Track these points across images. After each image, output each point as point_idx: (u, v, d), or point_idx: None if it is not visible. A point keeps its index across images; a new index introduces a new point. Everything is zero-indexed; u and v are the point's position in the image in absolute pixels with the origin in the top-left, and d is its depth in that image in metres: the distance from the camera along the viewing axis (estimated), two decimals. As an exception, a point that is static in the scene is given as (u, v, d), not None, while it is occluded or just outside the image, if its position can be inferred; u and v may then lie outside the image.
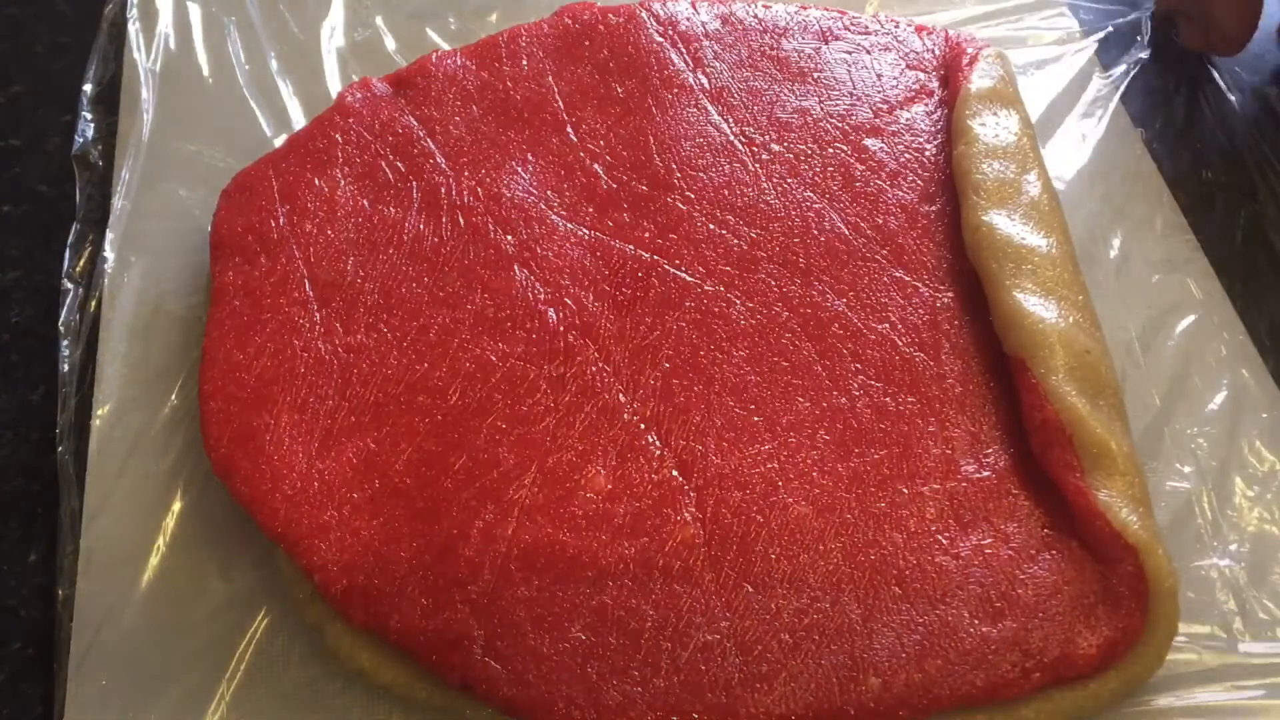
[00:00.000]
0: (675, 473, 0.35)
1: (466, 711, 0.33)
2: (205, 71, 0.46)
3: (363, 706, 0.35)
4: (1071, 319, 0.36)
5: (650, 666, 0.32)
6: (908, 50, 0.43)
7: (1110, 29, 0.51)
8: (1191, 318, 0.43)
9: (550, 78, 0.42)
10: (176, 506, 0.38)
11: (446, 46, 0.46)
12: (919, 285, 0.38)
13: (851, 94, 0.42)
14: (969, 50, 0.42)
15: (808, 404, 0.36)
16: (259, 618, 0.36)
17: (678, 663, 0.32)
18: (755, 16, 0.43)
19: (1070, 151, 0.47)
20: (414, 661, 0.33)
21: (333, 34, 0.47)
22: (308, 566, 0.33)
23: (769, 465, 0.35)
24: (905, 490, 0.35)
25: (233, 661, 0.36)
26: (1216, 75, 0.50)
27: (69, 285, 0.42)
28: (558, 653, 0.32)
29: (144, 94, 0.45)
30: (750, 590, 0.33)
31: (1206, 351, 0.42)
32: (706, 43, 0.42)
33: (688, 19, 0.43)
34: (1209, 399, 0.41)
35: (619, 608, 0.33)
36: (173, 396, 0.40)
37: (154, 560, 0.37)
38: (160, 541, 0.37)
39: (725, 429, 0.36)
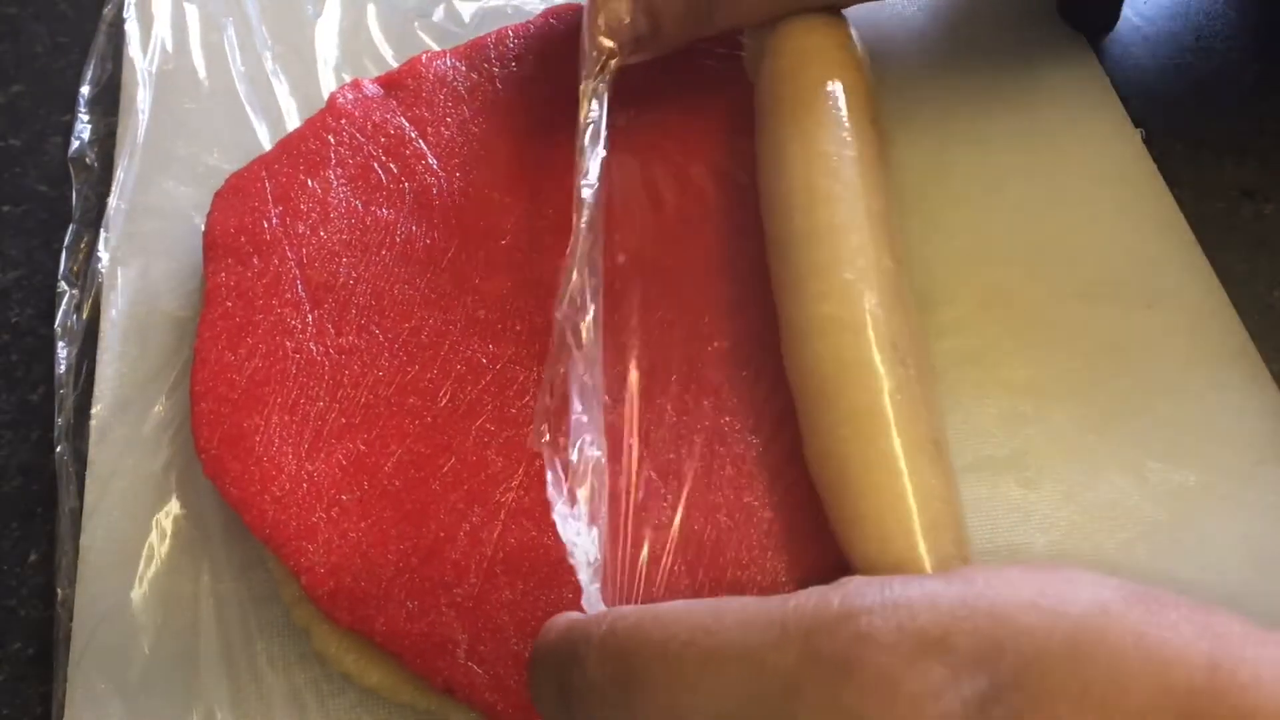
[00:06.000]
0: (654, 474, 0.35)
1: (452, 717, 0.33)
2: (202, 74, 0.46)
3: (364, 707, 0.35)
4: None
5: (625, 675, 0.32)
6: None
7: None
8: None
9: (538, 78, 0.42)
10: (174, 506, 0.38)
11: (437, 47, 0.46)
12: None
13: None
14: None
15: (781, 402, 0.36)
16: (259, 618, 0.37)
17: (652, 671, 0.32)
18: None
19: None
20: (399, 664, 0.33)
21: (327, 35, 0.47)
22: (295, 568, 0.33)
23: (739, 467, 0.35)
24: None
25: (232, 662, 0.36)
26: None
27: (65, 286, 0.42)
28: (538, 658, 0.32)
29: (140, 95, 0.45)
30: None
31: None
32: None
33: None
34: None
35: (599, 613, 0.33)
36: (166, 397, 0.40)
37: (153, 560, 0.38)
38: (158, 541, 0.38)
39: (698, 430, 0.35)
